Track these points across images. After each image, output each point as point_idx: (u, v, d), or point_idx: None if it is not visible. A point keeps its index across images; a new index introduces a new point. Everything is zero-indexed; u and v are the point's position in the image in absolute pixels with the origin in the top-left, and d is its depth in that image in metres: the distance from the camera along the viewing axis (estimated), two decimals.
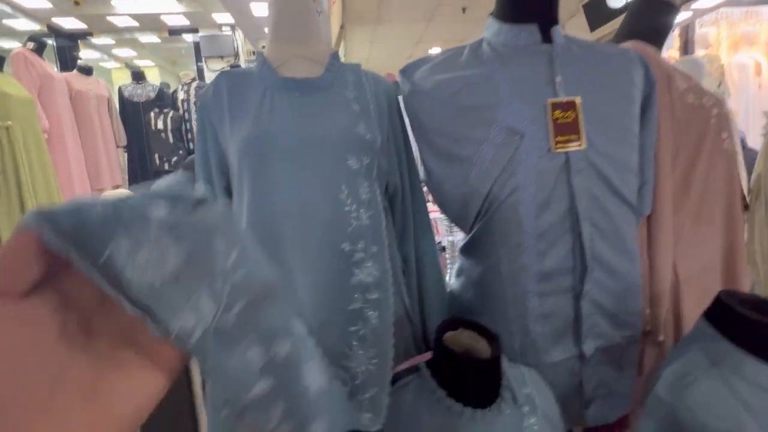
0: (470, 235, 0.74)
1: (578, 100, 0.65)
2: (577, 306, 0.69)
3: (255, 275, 0.20)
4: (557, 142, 0.64)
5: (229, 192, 0.71)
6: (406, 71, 0.74)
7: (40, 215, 0.16)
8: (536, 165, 0.65)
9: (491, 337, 0.60)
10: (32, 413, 0.15)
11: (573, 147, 0.64)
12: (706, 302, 0.90)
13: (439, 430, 0.54)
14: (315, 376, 0.22)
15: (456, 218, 0.72)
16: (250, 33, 3.72)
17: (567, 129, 0.64)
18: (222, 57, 4.00)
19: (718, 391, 0.54)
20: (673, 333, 0.88)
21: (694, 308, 0.87)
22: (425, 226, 0.80)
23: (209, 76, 4.04)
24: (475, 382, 0.54)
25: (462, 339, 0.62)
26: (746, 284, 0.88)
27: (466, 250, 0.77)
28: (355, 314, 0.64)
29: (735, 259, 0.87)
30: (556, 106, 0.65)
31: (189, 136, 3.43)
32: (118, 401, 0.17)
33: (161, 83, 3.70)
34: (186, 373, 1.12)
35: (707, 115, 0.85)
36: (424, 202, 0.81)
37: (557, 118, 0.64)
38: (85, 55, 4.42)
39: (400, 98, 0.77)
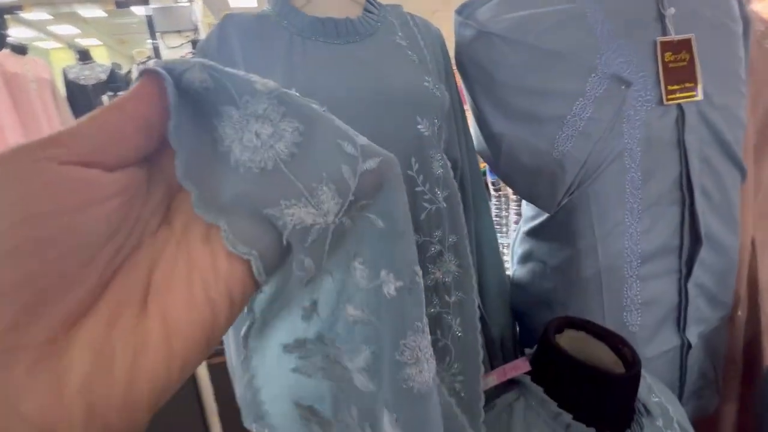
0: (549, 215, 0.62)
1: (693, 38, 0.52)
2: (683, 290, 0.58)
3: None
4: (670, 92, 0.52)
5: None
6: (464, 11, 0.59)
7: (164, 68, 0.14)
8: (645, 121, 0.52)
9: (609, 339, 0.48)
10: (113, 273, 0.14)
11: (688, 97, 0.52)
12: None
13: None
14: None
15: (535, 195, 0.59)
16: (211, 3, 3.35)
17: (681, 75, 0.52)
18: (179, 32, 3.61)
19: None
20: (748, 305, 0.81)
21: None
22: (485, 207, 0.67)
23: (166, 55, 3.63)
24: (613, 401, 0.43)
25: (569, 342, 0.50)
26: None
27: (542, 232, 0.64)
28: (431, 322, 0.50)
29: None
30: (666, 47, 0.52)
31: None
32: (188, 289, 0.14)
33: (112, 64, 3.29)
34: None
35: None
36: (482, 178, 0.68)
37: (669, 62, 0.52)
38: (16, 33, 3.86)
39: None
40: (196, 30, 3.69)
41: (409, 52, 0.52)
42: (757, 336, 0.81)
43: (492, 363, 0.62)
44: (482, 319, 0.61)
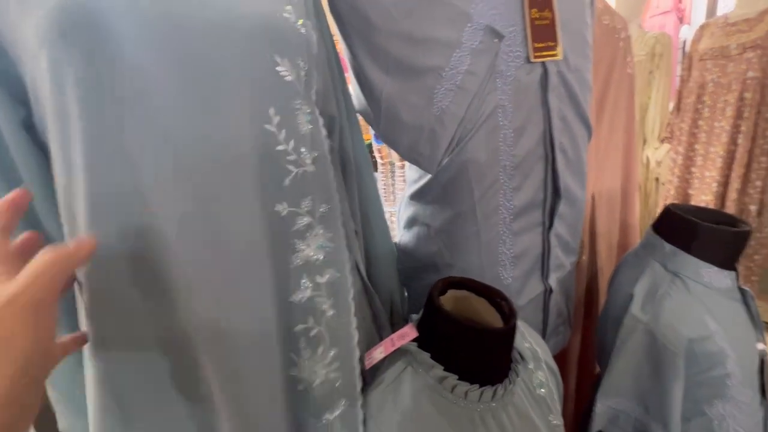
0: (430, 176, 0.60)
1: None
2: (545, 241, 0.64)
3: None
4: (536, 49, 0.53)
5: (33, 131, 0.38)
6: None
7: None
8: (515, 77, 0.53)
9: (487, 294, 0.49)
10: None
11: (551, 56, 0.54)
12: (612, 220, 0.99)
13: (459, 425, 0.41)
14: None
15: (416, 156, 0.56)
16: None
17: (544, 33, 0.53)
18: None
19: (686, 300, 0.57)
20: (588, 250, 0.95)
21: (604, 226, 0.95)
22: (367, 170, 0.62)
23: None
24: (494, 354, 0.43)
25: (453, 303, 0.50)
26: (637, 201, 1.00)
27: (425, 194, 0.63)
28: (301, 308, 0.42)
29: (631, 177, 0.97)
30: (532, 3, 0.52)
31: None
32: None
33: None
34: None
35: (618, 37, 0.86)
36: (363, 137, 0.62)
37: (534, 18, 0.52)
38: None
39: None
40: None
41: None
42: (595, 276, 0.97)
43: (381, 334, 0.59)
44: (368, 292, 0.58)
